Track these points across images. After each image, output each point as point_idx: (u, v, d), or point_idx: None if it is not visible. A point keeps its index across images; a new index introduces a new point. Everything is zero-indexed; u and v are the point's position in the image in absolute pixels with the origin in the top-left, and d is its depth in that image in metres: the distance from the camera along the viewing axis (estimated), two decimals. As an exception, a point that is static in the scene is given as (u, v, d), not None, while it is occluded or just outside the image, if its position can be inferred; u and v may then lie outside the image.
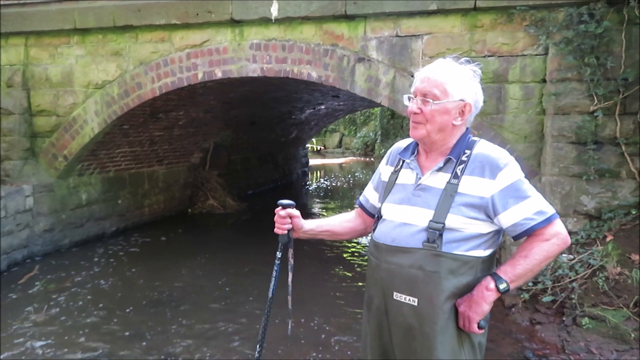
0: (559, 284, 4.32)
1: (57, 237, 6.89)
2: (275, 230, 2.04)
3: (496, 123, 5.15)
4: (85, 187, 7.35)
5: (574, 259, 4.38)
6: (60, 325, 4.54)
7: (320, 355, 4.00)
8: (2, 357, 3.93)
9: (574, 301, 4.14)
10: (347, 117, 24.70)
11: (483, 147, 1.75)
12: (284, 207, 2.01)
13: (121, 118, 6.66)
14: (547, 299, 4.31)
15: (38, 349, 4.07)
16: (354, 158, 25.40)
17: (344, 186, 15.34)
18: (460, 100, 1.74)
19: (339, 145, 29.47)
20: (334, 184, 15.70)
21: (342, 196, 13.41)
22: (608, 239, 4.39)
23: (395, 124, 22.33)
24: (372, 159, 24.14)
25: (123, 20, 6.36)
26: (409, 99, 1.81)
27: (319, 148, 28.69)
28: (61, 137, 6.84)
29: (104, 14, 6.41)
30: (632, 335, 3.76)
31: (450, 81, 1.72)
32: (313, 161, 20.29)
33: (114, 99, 6.58)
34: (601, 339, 3.84)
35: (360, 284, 5.77)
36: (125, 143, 7.55)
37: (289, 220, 2.01)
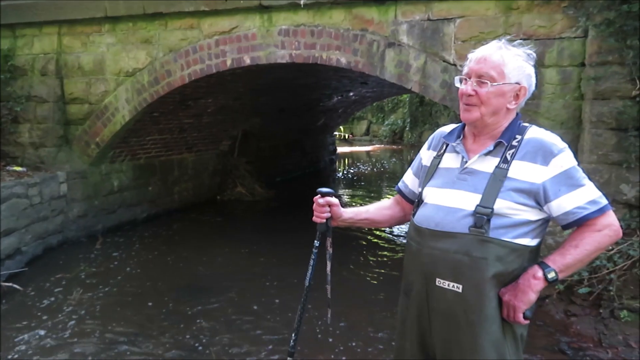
0: (596, 275, 4.17)
1: (91, 222, 7.04)
2: (314, 218, 1.99)
3: (531, 109, 4.98)
4: (117, 173, 7.48)
5: (613, 249, 4.21)
6: (92, 309, 4.64)
7: (352, 346, 3.98)
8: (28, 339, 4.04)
9: (612, 293, 3.99)
10: (374, 104, 24.47)
11: (536, 132, 1.70)
12: (323, 195, 1.96)
13: (151, 105, 6.72)
14: (583, 290, 4.17)
15: (68, 332, 4.17)
16: (382, 146, 25.20)
17: (372, 174, 15.24)
18: (516, 83, 1.68)
19: (367, 133, 29.30)
20: (362, 172, 15.61)
21: (370, 184, 13.34)
22: (649, 229, 4.22)
23: (424, 111, 22.04)
24: (400, 146, 23.90)
25: (152, 8, 6.38)
26: (461, 80, 1.75)
27: (347, 136, 28.55)
28: (93, 125, 6.96)
29: (133, 2, 6.45)
30: (674, 329, 3.62)
31: (508, 63, 1.67)
32: (341, 149, 20.23)
33: (144, 86, 6.64)
34: (641, 333, 3.71)
35: (387, 268, 5.73)
36: (155, 130, 7.63)
37: (328, 208, 1.97)
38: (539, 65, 4.85)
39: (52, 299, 4.88)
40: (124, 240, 6.90)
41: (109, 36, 6.82)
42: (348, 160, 18.92)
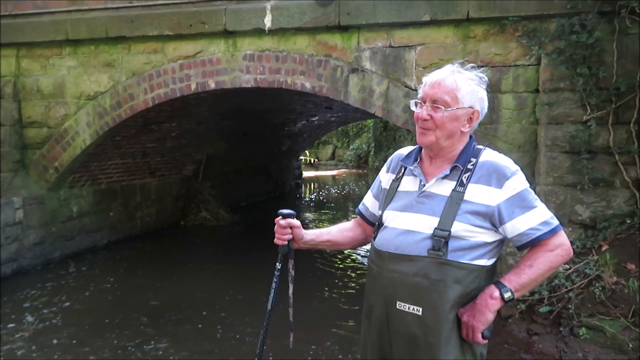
0: (556, 294, 4.29)
1: (48, 250, 6.79)
2: (275, 240, 1.98)
3: (490, 133, 5.15)
4: (77, 199, 7.27)
5: (570, 268, 4.35)
6: (49, 340, 4.44)
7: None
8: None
9: (571, 311, 4.10)
10: (339, 129, 24.71)
11: (490, 156, 1.74)
12: (285, 216, 1.95)
13: (113, 129, 6.61)
14: (543, 309, 4.27)
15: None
16: (347, 170, 25.39)
17: (338, 197, 15.31)
18: (470, 107, 1.73)
19: (332, 157, 29.49)
20: (327, 196, 15.66)
21: (335, 207, 13.38)
22: (604, 248, 4.37)
23: (388, 135, 22.36)
24: (365, 170, 24.14)
25: (115, 31, 6.34)
26: (417, 104, 1.79)
27: (312, 160, 28.66)
28: (52, 149, 6.78)
29: (96, 25, 6.39)
30: (630, 345, 3.73)
31: (461, 88, 1.71)
32: (306, 173, 20.27)
33: (106, 110, 6.53)
34: (599, 349, 3.81)
35: (352, 291, 5.72)
36: (117, 155, 7.48)
37: (289, 230, 1.95)
38: (496, 91, 5.05)
39: (4, 330, 4.64)
40: (83, 268, 6.67)
41: (70, 59, 6.71)
42: (314, 185, 18.95)
